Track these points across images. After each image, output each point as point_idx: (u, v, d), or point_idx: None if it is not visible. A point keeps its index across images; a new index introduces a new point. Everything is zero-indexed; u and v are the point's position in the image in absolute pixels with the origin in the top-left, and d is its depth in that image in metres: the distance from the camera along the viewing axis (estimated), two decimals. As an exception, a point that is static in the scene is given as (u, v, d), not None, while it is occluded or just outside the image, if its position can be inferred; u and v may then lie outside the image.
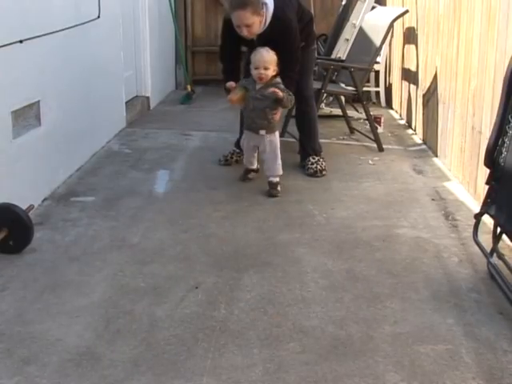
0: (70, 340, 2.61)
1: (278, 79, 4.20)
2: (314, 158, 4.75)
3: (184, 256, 3.35)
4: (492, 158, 3.09)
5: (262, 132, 4.25)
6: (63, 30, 4.23)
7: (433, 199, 4.25)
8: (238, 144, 4.84)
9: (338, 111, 6.38)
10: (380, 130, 5.74)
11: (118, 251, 3.43)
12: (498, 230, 3.12)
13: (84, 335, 2.64)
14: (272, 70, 4.16)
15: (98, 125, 5.24)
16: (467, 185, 4.28)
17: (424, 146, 5.56)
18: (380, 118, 5.96)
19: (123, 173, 4.75)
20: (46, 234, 3.62)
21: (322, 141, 5.22)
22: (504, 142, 3.01)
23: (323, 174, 4.68)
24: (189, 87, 7.83)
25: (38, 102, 4.06)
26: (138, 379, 2.35)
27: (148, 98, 6.92)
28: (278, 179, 4.27)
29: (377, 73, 7.22)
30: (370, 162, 5.08)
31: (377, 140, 5.39)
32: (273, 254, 3.33)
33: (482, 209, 3.19)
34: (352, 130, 6.00)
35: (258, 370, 2.40)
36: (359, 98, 5.59)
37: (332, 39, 6.66)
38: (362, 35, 5.85)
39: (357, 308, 2.85)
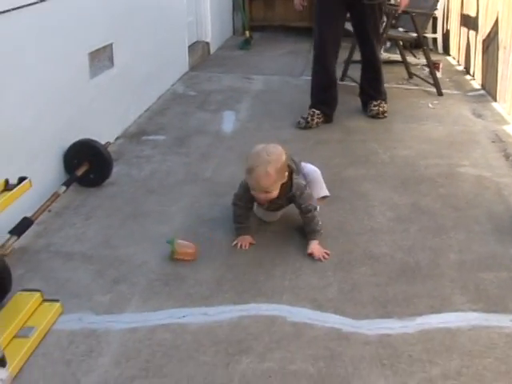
0: (155, 262, 2.82)
1: (294, 189, 2.92)
2: (376, 101, 4.79)
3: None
4: None
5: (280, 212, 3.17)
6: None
7: (493, 141, 4.34)
8: (314, 104, 4.65)
9: (396, 57, 6.43)
10: (439, 75, 5.79)
11: (192, 184, 3.63)
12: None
13: (166, 259, 2.83)
14: (277, 187, 2.84)
15: (164, 68, 5.41)
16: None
17: (483, 91, 5.61)
18: (438, 64, 6.01)
19: (190, 113, 4.93)
20: (122, 169, 3.82)
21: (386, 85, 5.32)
22: None
23: (385, 115, 4.76)
24: (247, 33, 7.92)
25: (111, 44, 4.23)
26: (222, 296, 2.55)
27: (208, 43, 7.05)
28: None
29: (434, 19, 7.21)
30: (430, 105, 5.17)
31: (436, 84, 5.47)
32: (340, 188, 3.48)
33: None
34: (411, 75, 6.07)
35: (334, 289, 2.59)
36: (420, 43, 5.65)
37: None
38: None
39: (423, 238, 3.00)
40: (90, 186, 3.59)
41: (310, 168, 3.11)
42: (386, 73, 5.89)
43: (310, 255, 2.82)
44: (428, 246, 2.92)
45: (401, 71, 6.18)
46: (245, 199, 2.97)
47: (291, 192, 2.86)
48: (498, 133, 4.50)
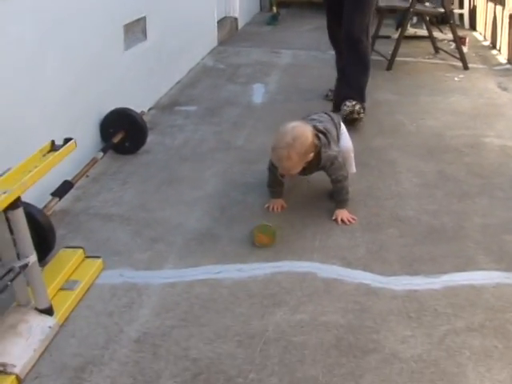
0: (190, 223, 2.95)
1: (323, 161, 2.94)
2: (350, 102, 4.09)
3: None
4: None
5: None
6: None
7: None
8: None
9: (422, 32, 6.51)
10: (465, 49, 5.86)
11: (225, 152, 3.75)
12: None
13: (203, 220, 2.97)
14: (300, 167, 2.89)
15: (194, 42, 5.53)
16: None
17: (509, 66, 5.67)
18: (465, 39, 6.08)
19: (220, 86, 5.04)
20: (156, 138, 3.94)
21: (408, 59, 5.42)
22: None
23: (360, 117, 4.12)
24: (274, 9, 8.00)
25: (145, 17, 4.35)
26: (255, 254, 2.69)
27: (236, 18, 7.15)
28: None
29: (461, -7, 7.26)
30: (456, 79, 5.24)
31: (462, 58, 5.54)
32: (369, 156, 3.58)
33: None
34: (437, 50, 6.14)
35: (362, 249, 2.70)
36: (447, 18, 5.70)
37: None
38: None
39: (448, 202, 3.10)
40: (126, 153, 3.70)
41: (344, 142, 3.18)
42: (413, 47, 5.98)
43: (335, 221, 2.92)
44: (453, 210, 3.02)
45: (427, 46, 6.25)
46: None
47: (321, 164, 2.92)
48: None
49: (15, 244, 2.10)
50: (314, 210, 3.02)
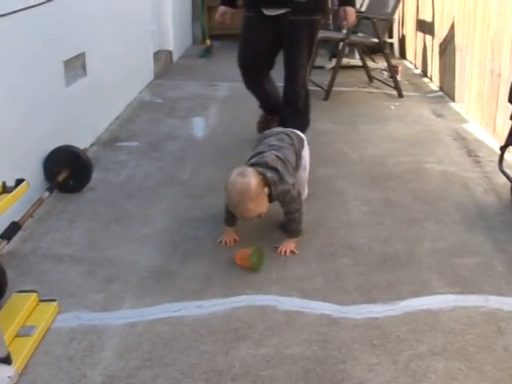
0: (143, 261, 2.92)
1: (274, 198, 2.99)
2: None
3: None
4: (516, 94, 3.39)
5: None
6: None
7: (454, 139, 4.55)
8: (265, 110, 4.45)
9: (355, 62, 6.64)
10: (398, 78, 6.00)
11: (170, 187, 3.73)
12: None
13: (156, 257, 2.95)
14: (264, 202, 2.92)
15: (131, 76, 5.51)
16: (486, 125, 4.56)
17: (441, 93, 5.83)
18: (397, 67, 6.23)
19: (159, 120, 5.04)
20: (99, 175, 3.89)
21: (344, 89, 5.54)
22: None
23: None
24: (207, 41, 8.04)
25: (84, 53, 4.31)
26: (213, 290, 2.67)
27: (171, 51, 7.16)
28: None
29: (390, 24, 7.41)
30: (392, 107, 5.37)
31: (397, 87, 5.67)
32: (315, 186, 3.61)
33: (506, 141, 3.49)
34: (371, 79, 6.28)
35: (319, 279, 2.72)
36: (381, 48, 5.84)
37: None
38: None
39: (397, 229, 3.16)
40: (70, 192, 3.64)
41: (304, 164, 3.27)
42: (347, 77, 6.10)
43: (277, 249, 2.95)
44: (403, 237, 3.08)
45: (361, 75, 6.39)
46: None
47: (272, 200, 2.94)
48: (458, 131, 4.71)
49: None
50: (267, 242, 3.02)
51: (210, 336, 2.36)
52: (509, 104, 3.42)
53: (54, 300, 2.56)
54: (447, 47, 5.62)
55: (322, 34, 5.49)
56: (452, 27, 5.49)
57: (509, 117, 3.45)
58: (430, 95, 5.78)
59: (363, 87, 6.11)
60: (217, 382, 2.12)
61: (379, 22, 5.61)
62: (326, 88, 5.57)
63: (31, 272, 2.82)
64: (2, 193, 2.27)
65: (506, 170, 3.59)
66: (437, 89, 5.94)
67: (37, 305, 2.53)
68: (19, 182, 2.32)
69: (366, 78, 6.31)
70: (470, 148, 4.33)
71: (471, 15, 4.95)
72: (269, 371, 2.16)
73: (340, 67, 6.09)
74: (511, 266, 2.84)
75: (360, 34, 6.02)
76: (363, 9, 6.23)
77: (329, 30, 6.52)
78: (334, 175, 3.81)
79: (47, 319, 2.46)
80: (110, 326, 2.44)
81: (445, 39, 5.71)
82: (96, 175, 3.85)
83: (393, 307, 2.50)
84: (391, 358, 2.20)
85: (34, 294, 2.54)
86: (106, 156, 4.22)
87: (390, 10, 5.72)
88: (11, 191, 2.26)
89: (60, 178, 3.53)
